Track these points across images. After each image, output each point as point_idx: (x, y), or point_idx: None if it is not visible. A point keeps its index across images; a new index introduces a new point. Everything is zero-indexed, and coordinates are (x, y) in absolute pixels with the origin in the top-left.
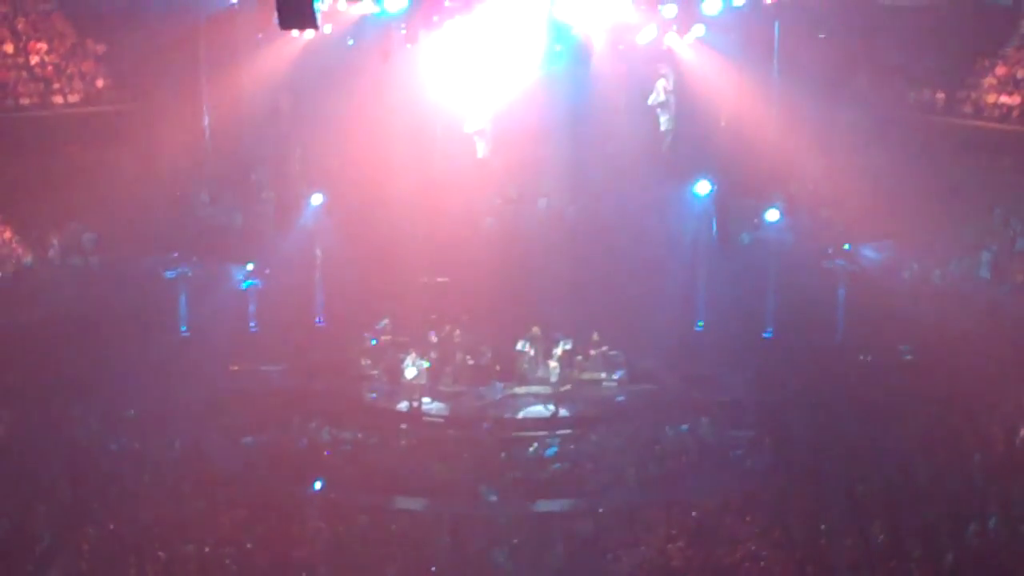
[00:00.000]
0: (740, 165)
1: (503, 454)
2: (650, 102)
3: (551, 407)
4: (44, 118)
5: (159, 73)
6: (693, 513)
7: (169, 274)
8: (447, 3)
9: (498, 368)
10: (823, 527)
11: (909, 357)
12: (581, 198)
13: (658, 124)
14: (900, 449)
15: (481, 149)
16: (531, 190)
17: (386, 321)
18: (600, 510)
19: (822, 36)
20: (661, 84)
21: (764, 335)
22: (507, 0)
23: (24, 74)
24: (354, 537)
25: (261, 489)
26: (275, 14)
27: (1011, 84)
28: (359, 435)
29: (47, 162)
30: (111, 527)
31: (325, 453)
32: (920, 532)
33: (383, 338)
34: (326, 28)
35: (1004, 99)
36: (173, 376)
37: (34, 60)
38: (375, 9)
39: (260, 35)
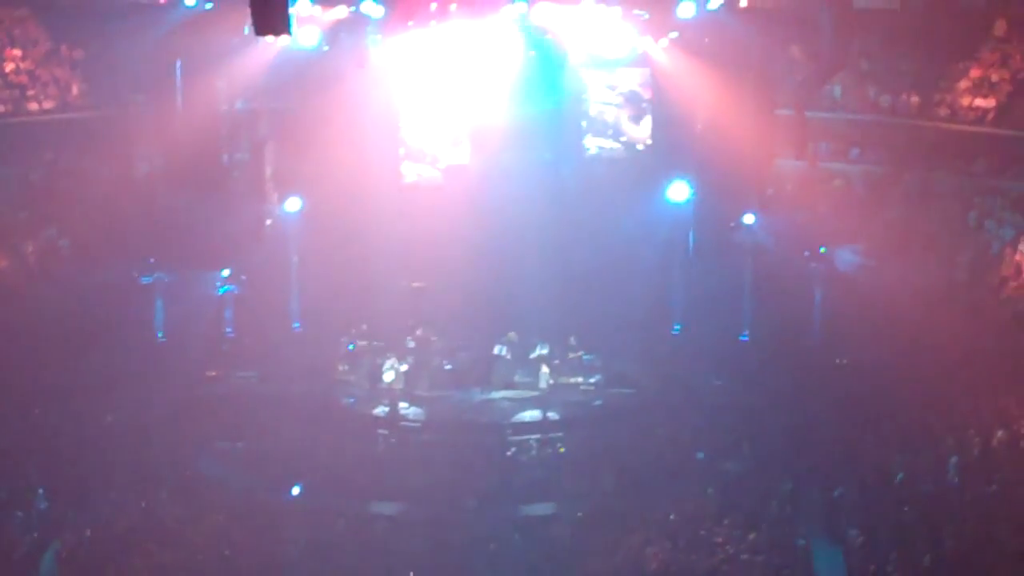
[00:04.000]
0: (716, 168)
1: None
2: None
3: (531, 413)
4: (19, 124)
5: (134, 79)
6: (671, 517)
7: (145, 280)
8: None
9: (475, 373)
10: (800, 530)
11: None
12: (557, 202)
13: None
14: (877, 451)
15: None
16: (507, 195)
17: (363, 326)
18: (578, 514)
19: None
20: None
21: (741, 338)
22: (482, 6)
23: None
24: (332, 542)
25: (239, 495)
26: (250, 20)
27: (986, 87)
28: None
29: (22, 168)
30: (89, 534)
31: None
32: (897, 534)
33: (360, 343)
34: (303, 34)
35: (979, 102)
36: (150, 382)
37: (9, 66)
38: (350, 15)
39: (235, 41)
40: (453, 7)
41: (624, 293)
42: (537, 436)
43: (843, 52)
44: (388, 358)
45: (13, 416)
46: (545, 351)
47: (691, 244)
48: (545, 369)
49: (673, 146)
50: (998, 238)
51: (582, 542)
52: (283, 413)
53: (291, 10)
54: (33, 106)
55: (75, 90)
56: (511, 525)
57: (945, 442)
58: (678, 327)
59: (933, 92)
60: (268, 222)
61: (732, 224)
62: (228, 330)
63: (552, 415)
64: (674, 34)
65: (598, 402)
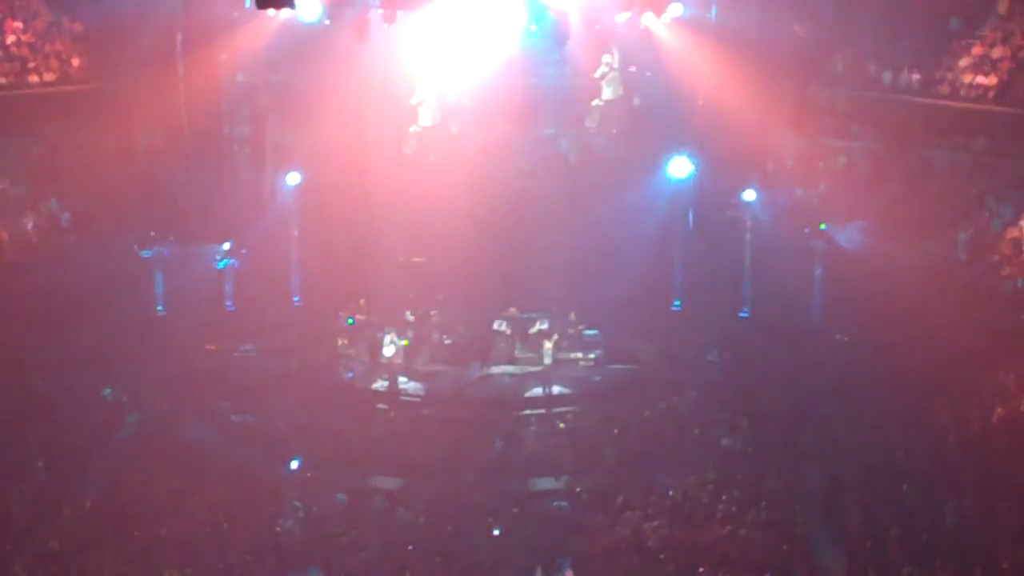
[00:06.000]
0: (717, 145)
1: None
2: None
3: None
4: (20, 97)
5: (135, 52)
6: (670, 493)
7: (145, 253)
8: None
9: (474, 347)
10: (799, 507)
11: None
12: (558, 177)
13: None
14: (876, 429)
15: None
16: (507, 169)
17: (363, 301)
18: (578, 490)
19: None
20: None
21: (741, 314)
22: None
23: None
24: (331, 516)
25: (238, 468)
26: None
27: (987, 64)
28: None
29: (23, 141)
30: (88, 506)
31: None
32: (896, 511)
33: (359, 317)
34: (304, 8)
35: (980, 79)
36: (149, 355)
37: (10, 39)
38: None
39: (236, 14)
40: None
41: (624, 269)
42: (538, 411)
43: (845, 29)
44: (388, 332)
45: (13, 388)
46: (545, 326)
47: (691, 220)
48: (548, 344)
49: (674, 121)
50: (998, 216)
51: (581, 517)
52: (282, 387)
53: None
54: (34, 79)
55: (76, 63)
56: (510, 499)
57: (944, 419)
58: (678, 303)
59: (934, 69)
60: (269, 196)
61: (733, 200)
62: (228, 304)
63: (554, 390)
64: (677, 10)
65: (597, 378)
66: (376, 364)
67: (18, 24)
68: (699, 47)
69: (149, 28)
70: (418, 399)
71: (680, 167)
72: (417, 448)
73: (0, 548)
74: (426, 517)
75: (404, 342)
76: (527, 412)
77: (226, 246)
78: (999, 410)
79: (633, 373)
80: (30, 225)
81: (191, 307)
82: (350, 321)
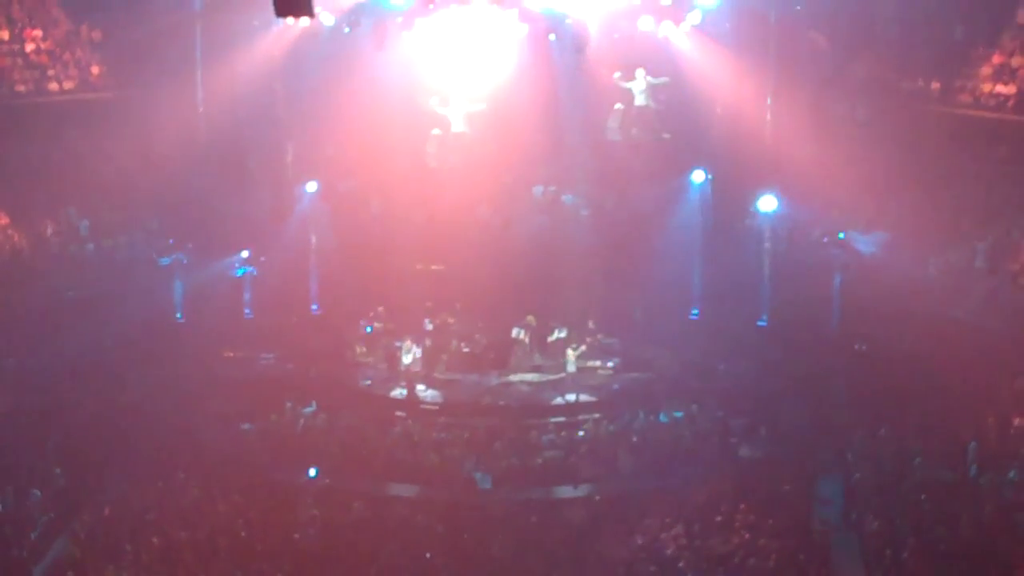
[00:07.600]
0: (736, 153)
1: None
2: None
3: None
4: (39, 104)
5: (154, 60)
6: (688, 501)
7: (164, 261)
8: None
9: (492, 356)
10: (817, 516)
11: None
12: (576, 186)
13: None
14: (894, 438)
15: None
16: (526, 178)
17: (381, 308)
18: (596, 498)
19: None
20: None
21: (759, 323)
22: None
23: (19, 61)
24: (348, 524)
25: (256, 476)
26: (271, 1)
27: (1007, 73)
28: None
29: (43, 148)
30: (106, 513)
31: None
32: (914, 521)
33: (377, 325)
34: (323, 16)
35: (1000, 88)
36: (168, 362)
37: (29, 47)
38: None
39: (256, 22)
40: None
41: (642, 277)
42: (556, 420)
43: (864, 37)
44: (406, 340)
45: (32, 395)
46: (563, 335)
47: (709, 229)
48: (572, 353)
49: (692, 130)
50: (1017, 225)
51: (600, 525)
52: (300, 394)
53: None
54: (53, 86)
55: (95, 71)
56: (529, 508)
57: (963, 428)
58: (696, 311)
59: (954, 78)
60: (288, 204)
61: (751, 209)
62: (247, 311)
63: (572, 398)
64: (696, 18)
65: (616, 386)
66: (394, 372)
67: (38, 32)
68: (717, 55)
69: (169, 36)
70: (436, 407)
71: (699, 175)
72: (435, 456)
73: (18, 554)
74: (444, 525)
75: (421, 350)
76: (545, 420)
77: (244, 254)
78: (1017, 420)
79: (651, 381)
80: (49, 232)
81: (209, 314)
82: (368, 329)
